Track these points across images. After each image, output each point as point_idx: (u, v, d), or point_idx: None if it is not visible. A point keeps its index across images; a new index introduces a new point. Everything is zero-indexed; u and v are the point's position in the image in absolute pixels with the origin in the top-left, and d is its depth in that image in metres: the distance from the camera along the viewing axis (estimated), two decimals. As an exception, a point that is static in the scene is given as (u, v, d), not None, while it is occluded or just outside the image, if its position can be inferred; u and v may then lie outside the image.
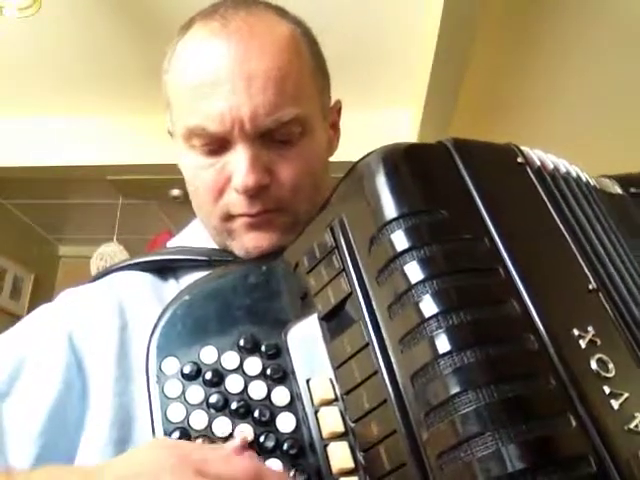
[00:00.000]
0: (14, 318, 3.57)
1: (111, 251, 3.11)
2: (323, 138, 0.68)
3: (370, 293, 0.44)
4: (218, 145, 0.61)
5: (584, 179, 0.56)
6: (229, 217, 0.63)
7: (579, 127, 2.61)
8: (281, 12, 0.66)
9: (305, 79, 0.64)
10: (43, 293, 3.80)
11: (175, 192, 3.17)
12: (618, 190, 0.58)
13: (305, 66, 0.64)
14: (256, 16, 0.63)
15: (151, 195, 3.28)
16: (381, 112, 2.55)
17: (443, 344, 0.38)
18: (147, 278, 0.66)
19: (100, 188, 3.19)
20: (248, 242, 0.62)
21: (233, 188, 0.60)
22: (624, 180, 0.59)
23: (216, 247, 0.68)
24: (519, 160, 0.52)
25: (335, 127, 0.74)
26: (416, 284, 0.41)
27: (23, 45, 2.38)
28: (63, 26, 2.27)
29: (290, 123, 0.60)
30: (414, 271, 0.41)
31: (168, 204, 3.37)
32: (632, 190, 0.58)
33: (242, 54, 0.60)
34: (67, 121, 2.87)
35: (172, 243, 0.73)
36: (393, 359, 0.41)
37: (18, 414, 0.54)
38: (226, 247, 0.65)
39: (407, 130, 2.56)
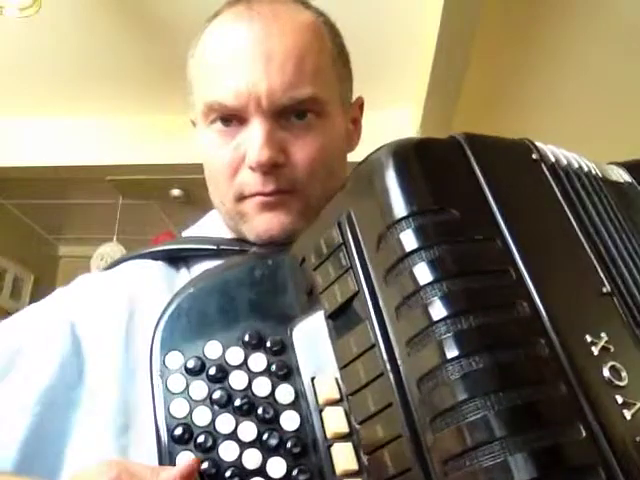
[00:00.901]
0: (14, 318, 3.55)
1: (111, 251, 3.11)
2: (341, 127, 0.68)
3: (377, 293, 0.43)
4: (235, 121, 0.62)
5: (594, 172, 0.54)
6: (242, 197, 0.63)
7: (579, 126, 2.60)
8: (305, 4, 0.68)
9: (324, 63, 0.64)
10: (43, 293, 3.75)
11: (175, 192, 3.17)
12: (627, 178, 0.56)
13: (325, 51, 0.65)
14: (280, 3, 0.65)
15: (151, 195, 3.28)
16: (382, 111, 2.55)
17: (451, 349, 0.37)
18: (160, 267, 0.66)
19: (100, 188, 3.18)
20: (260, 225, 0.62)
21: (247, 165, 0.61)
22: (633, 167, 0.58)
23: (228, 236, 0.68)
24: (534, 156, 0.50)
25: (356, 123, 0.74)
26: (424, 286, 0.40)
27: (23, 45, 2.38)
28: (63, 26, 2.26)
29: (306, 102, 0.61)
30: (423, 272, 0.40)
31: (168, 204, 3.37)
32: None
33: (263, 34, 0.61)
34: (67, 121, 2.86)
35: (187, 233, 0.74)
36: (399, 362, 0.40)
37: (9, 398, 0.55)
38: (239, 232, 0.65)
39: (408, 129, 2.56)
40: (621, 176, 0.57)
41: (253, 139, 0.60)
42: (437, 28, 1.90)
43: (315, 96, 0.61)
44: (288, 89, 0.60)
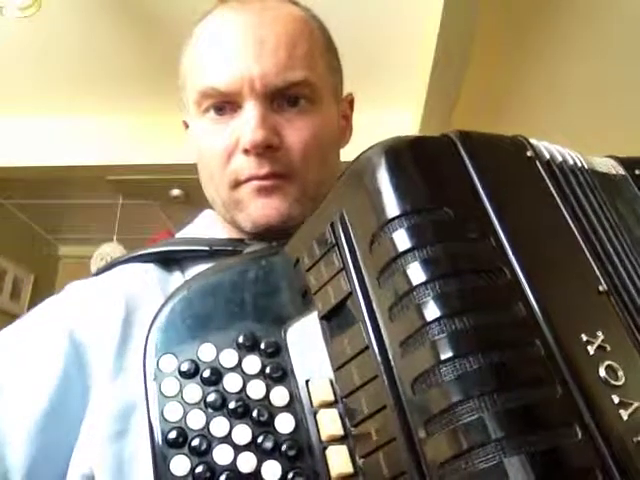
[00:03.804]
0: (14, 319, 3.54)
1: (111, 251, 3.12)
2: (334, 117, 0.68)
3: (371, 293, 0.42)
4: (228, 108, 0.62)
5: (586, 166, 0.54)
6: (237, 184, 0.62)
7: (578, 127, 2.60)
8: (294, 2, 0.69)
9: (316, 51, 0.65)
10: (43, 293, 3.79)
11: (175, 192, 3.17)
12: (621, 171, 0.55)
13: (316, 41, 0.66)
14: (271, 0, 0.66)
15: (151, 195, 3.29)
16: (381, 112, 2.55)
17: (445, 350, 0.37)
18: (152, 270, 0.65)
19: (100, 188, 3.19)
20: (255, 210, 0.62)
21: (241, 149, 0.61)
22: (628, 162, 0.56)
23: (222, 236, 0.68)
24: (528, 154, 0.50)
25: (347, 119, 0.74)
26: (418, 286, 0.39)
27: (23, 45, 2.38)
28: (63, 26, 2.27)
29: (299, 85, 0.62)
30: (416, 272, 0.39)
31: (168, 204, 3.37)
32: (637, 172, 0.55)
33: (254, 22, 0.62)
34: (67, 121, 2.87)
35: (180, 234, 0.73)
36: (393, 363, 0.40)
37: (14, 412, 0.53)
38: (235, 223, 0.65)
39: (407, 130, 2.56)
40: (613, 168, 0.56)
41: (247, 121, 0.60)
42: (437, 28, 1.90)
43: (308, 80, 0.62)
44: (281, 72, 0.61)
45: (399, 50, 2.29)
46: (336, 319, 0.46)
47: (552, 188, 0.48)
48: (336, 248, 0.46)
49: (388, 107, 2.61)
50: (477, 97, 2.44)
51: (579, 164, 0.53)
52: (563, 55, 2.27)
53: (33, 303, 3.83)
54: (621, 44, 2.21)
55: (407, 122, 2.62)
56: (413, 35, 2.19)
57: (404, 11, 2.10)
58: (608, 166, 0.55)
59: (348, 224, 0.46)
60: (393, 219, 0.42)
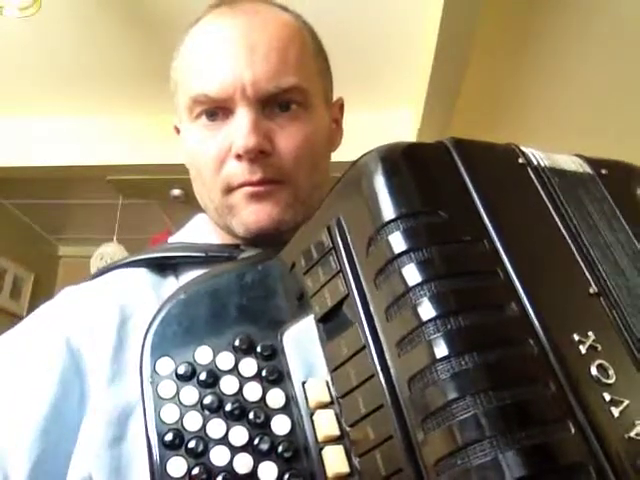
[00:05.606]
0: (14, 318, 3.57)
1: (111, 251, 3.12)
2: (325, 121, 0.69)
3: (367, 295, 0.43)
4: (220, 114, 0.62)
5: (551, 165, 0.53)
6: (230, 190, 0.63)
7: (578, 127, 2.61)
8: (284, 8, 0.69)
9: (307, 56, 0.66)
10: (43, 293, 3.81)
11: (175, 192, 3.17)
12: (588, 169, 0.56)
13: (307, 45, 0.66)
14: (261, 5, 0.67)
15: (151, 195, 3.29)
16: (381, 112, 2.55)
17: (441, 349, 0.37)
18: (146, 275, 0.65)
19: (100, 188, 3.19)
20: (248, 216, 0.62)
21: (234, 154, 0.61)
22: (594, 162, 0.57)
23: (215, 242, 0.68)
24: (520, 161, 0.51)
25: (337, 123, 0.74)
26: (414, 287, 0.40)
27: (23, 45, 2.38)
28: (63, 26, 2.27)
29: (291, 91, 0.62)
30: (412, 274, 0.40)
31: (168, 204, 3.37)
32: (604, 172, 0.55)
33: (246, 27, 0.62)
34: (67, 121, 2.87)
35: (173, 239, 0.73)
36: (390, 363, 0.40)
37: (13, 418, 0.54)
38: (228, 228, 0.65)
39: (407, 130, 2.56)
40: (581, 166, 0.56)
41: (239, 127, 0.60)
42: (437, 29, 1.90)
43: (299, 85, 0.62)
44: (273, 78, 0.61)
45: (399, 50, 2.29)
46: (333, 321, 0.47)
47: (543, 193, 0.49)
48: (333, 251, 0.47)
49: (388, 107, 2.61)
50: (477, 97, 2.44)
51: (548, 164, 0.53)
52: (563, 55, 2.28)
53: (33, 302, 3.83)
54: (620, 45, 2.21)
55: (407, 122, 2.62)
56: (413, 35, 2.19)
57: (404, 11, 2.10)
58: (576, 164, 0.56)
59: (345, 228, 0.47)
60: (389, 222, 0.42)
